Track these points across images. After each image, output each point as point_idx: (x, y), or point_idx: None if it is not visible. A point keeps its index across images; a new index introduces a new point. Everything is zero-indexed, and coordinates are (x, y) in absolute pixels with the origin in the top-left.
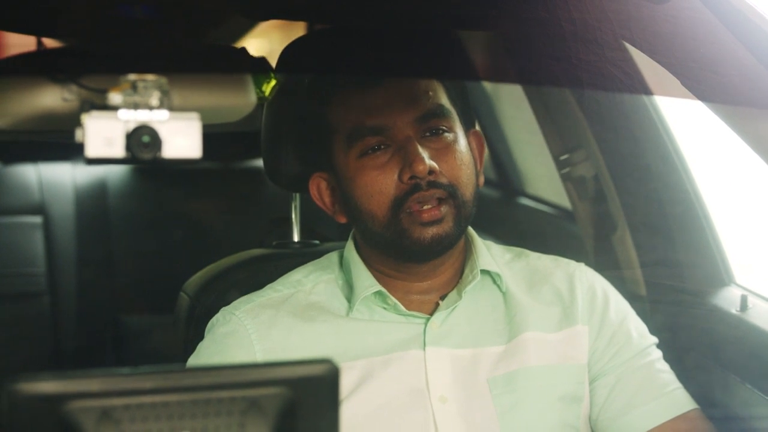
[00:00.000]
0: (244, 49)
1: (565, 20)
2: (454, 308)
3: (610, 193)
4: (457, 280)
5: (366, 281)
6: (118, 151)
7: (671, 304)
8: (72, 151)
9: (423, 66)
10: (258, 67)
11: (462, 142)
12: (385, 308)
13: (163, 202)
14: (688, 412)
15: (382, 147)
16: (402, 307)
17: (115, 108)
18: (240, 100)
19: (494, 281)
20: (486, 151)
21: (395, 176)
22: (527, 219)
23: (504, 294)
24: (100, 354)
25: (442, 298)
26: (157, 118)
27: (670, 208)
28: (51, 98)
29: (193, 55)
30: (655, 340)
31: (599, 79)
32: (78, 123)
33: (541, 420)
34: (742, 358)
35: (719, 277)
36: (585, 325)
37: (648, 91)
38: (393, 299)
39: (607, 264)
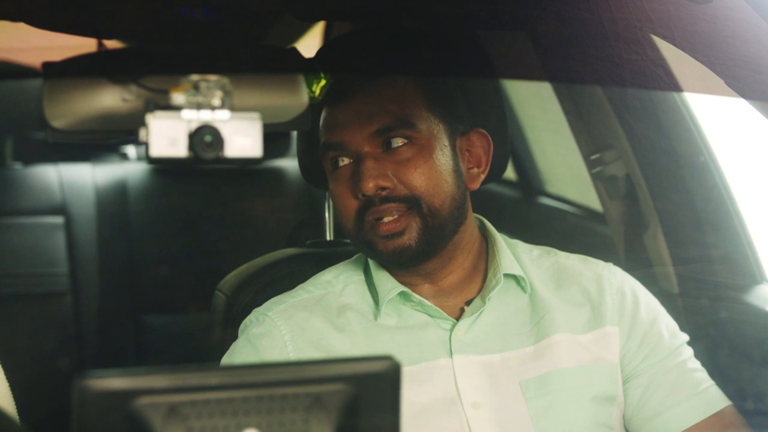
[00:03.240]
0: (294, 50)
1: (605, 20)
2: (479, 314)
3: (642, 192)
4: (481, 283)
5: (388, 284)
6: (181, 150)
7: (704, 301)
8: (93, 151)
9: (451, 64)
10: (309, 67)
11: (436, 151)
12: (411, 307)
13: (184, 202)
14: (722, 409)
15: (346, 162)
16: (428, 303)
17: (177, 108)
18: (294, 101)
19: (519, 283)
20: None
21: (356, 191)
22: (549, 218)
23: (529, 295)
24: (123, 354)
25: (468, 303)
26: (219, 118)
27: (702, 206)
28: (111, 99)
29: (250, 55)
30: (686, 338)
31: (637, 77)
32: (139, 123)
33: (575, 421)
34: None
35: (752, 274)
36: (615, 326)
37: (686, 89)
38: (418, 297)
39: (638, 263)
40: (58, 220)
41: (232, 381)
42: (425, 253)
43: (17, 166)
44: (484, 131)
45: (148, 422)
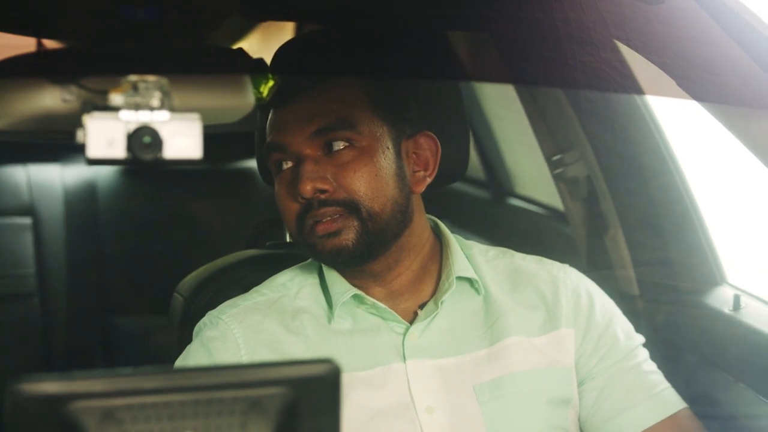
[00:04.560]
0: (241, 50)
1: (559, 21)
2: (432, 318)
3: (603, 194)
4: (435, 286)
5: (341, 287)
6: (120, 151)
7: (664, 304)
8: (61, 152)
9: (408, 66)
10: (256, 68)
11: (377, 154)
12: (365, 310)
13: (153, 203)
14: (678, 412)
15: (289, 165)
16: (381, 305)
17: (116, 109)
18: (238, 101)
19: (472, 285)
20: (472, 151)
21: (295, 194)
22: (517, 219)
23: (483, 298)
24: (91, 355)
25: (421, 306)
26: (158, 119)
27: (662, 207)
28: (50, 99)
29: (193, 56)
30: (642, 339)
31: (592, 79)
32: (78, 124)
33: (530, 424)
34: (734, 357)
35: (712, 276)
36: (570, 328)
37: (642, 91)
38: (371, 299)
39: (599, 263)
40: (26, 221)
41: (168, 384)
42: (364, 254)
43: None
44: (432, 134)
45: (83, 427)
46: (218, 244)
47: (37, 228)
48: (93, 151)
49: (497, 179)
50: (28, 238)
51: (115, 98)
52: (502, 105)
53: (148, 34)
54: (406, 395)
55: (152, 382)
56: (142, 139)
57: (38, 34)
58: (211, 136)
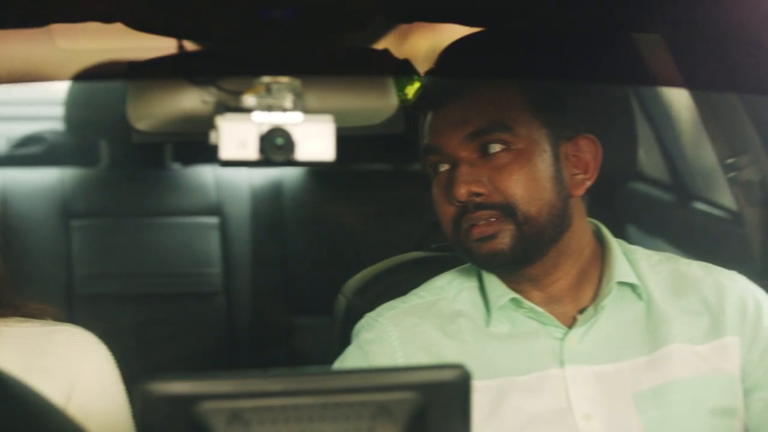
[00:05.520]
0: (387, 51)
1: (728, 22)
2: (593, 323)
3: None
4: (595, 291)
5: (498, 290)
6: (252, 153)
7: None
8: None
9: (571, 69)
10: (401, 69)
11: (534, 157)
12: (523, 314)
13: (338, 204)
14: None
15: (445, 168)
16: (540, 309)
17: (248, 110)
18: (380, 103)
19: (634, 291)
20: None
21: (451, 198)
22: (701, 223)
23: (646, 303)
24: (274, 354)
25: (581, 311)
26: (291, 121)
27: None
28: (191, 100)
29: (333, 57)
30: None
31: (763, 82)
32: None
33: None
34: None
35: None
36: (735, 337)
37: None
38: (529, 303)
39: None
40: (213, 220)
41: (295, 387)
42: (520, 258)
43: (176, 166)
44: (593, 137)
45: (211, 428)
46: (396, 244)
47: (223, 227)
48: (225, 152)
49: (682, 182)
50: (214, 238)
51: (248, 100)
52: (680, 106)
53: (285, 35)
54: (563, 401)
55: (280, 385)
56: (275, 141)
57: (179, 36)
58: (382, 137)
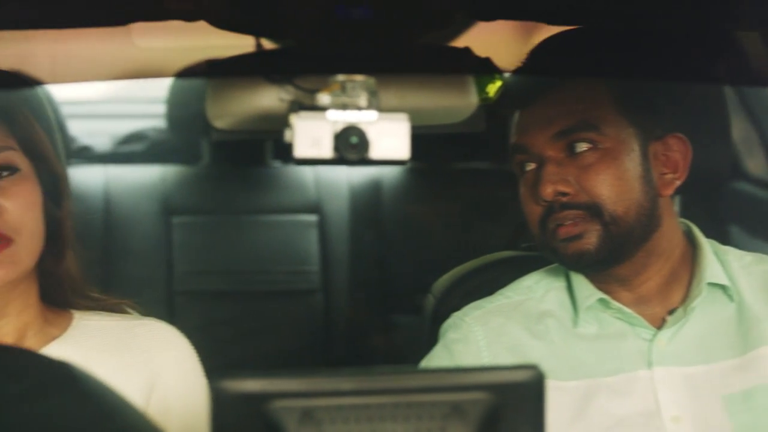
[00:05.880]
0: (468, 50)
1: None
2: (682, 324)
3: None
4: (684, 292)
5: (586, 290)
6: (326, 151)
7: None
8: None
9: (664, 68)
10: (482, 67)
11: (622, 156)
12: (611, 315)
13: (437, 203)
14: None
15: (531, 167)
16: (628, 310)
17: (323, 109)
18: (460, 101)
19: (725, 292)
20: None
21: (537, 197)
22: None
23: (737, 304)
24: (370, 352)
25: (670, 312)
26: (366, 119)
27: None
28: (268, 99)
29: (411, 55)
30: None
31: None
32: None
33: None
34: None
35: None
36: None
37: None
38: (617, 304)
39: None
40: (312, 218)
41: (367, 386)
42: (607, 259)
43: (276, 164)
44: (683, 136)
45: (282, 425)
46: (492, 243)
47: (322, 225)
48: (300, 150)
49: None
50: (313, 236)
51: (323, 98)
52: None
53: (363, 33)
54: (651, 403)
55: (352, 383)
56: (349, 140)
57: (257, 34)
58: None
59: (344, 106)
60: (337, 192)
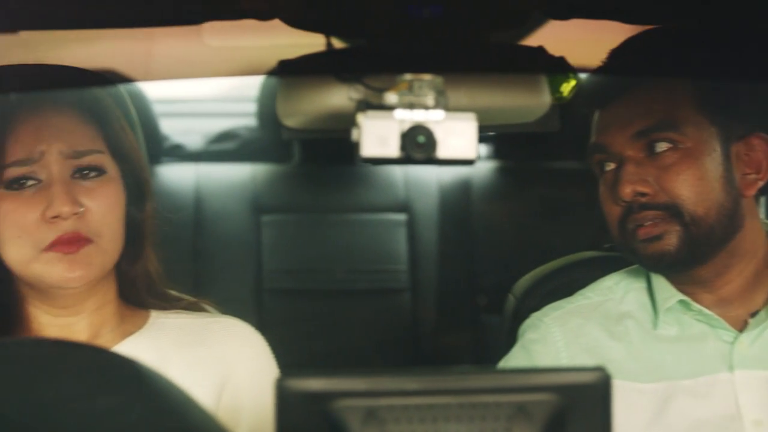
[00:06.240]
0: (542, 49)
1: None
2: (764, 327)
3: None
4: (767, 294)
5: (666, 292)
6: (393, 151)
7: None
8: None
9: (747, 67)
10: (556, 67)
11: (703, 156)
12: (692, 316)
13: (527, 202)
14: None
15: (611, 167)
16: (709, 312)
17: (390, 108)
18: (533, 101)
19: None
20: None
21: (616, 197)
22: None
23: None
24: (460, 353)
25: (753, 314)
26: (433, 119)
27: None
28: (338, 98)
29: (483, 54)
30: None
31: None
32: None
33: None
34: None
35: None
36: None
37: None
38: (697, 306)
39: None
40: (401, 217)
41: (432, 386)
42: (687, 260)
43: (366, 163)
44: (766, 136)
45: (346, 425)
46: (580, 243)
47: (411, 224)
48: (366, 149)
49: None
50: (402, 235)
51: (390, 97)
52: None
53: (434, 32)
54: (732, 407)
55: (416, 383)
56: (416, 139)
57: (332, 33)
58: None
59: (411, 106)
60: (427, 191)
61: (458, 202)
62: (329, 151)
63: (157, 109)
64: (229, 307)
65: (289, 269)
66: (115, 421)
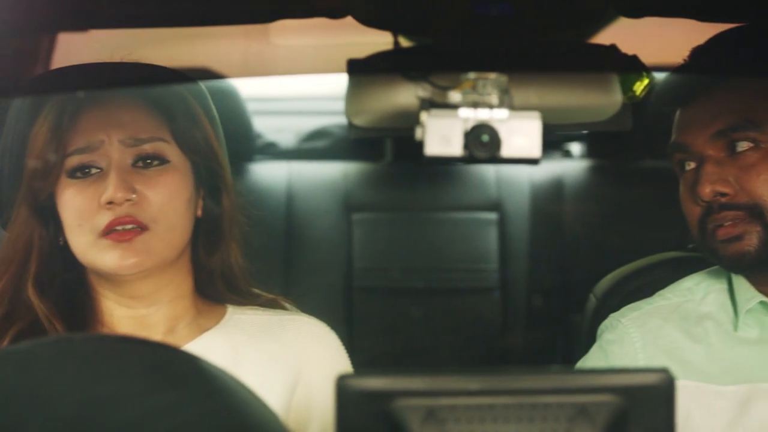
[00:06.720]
0: (614, 47)
1: None
2: None
3: None
4: None
5: (747, 293)
6: (456, 149)
7: None
8: None
9: None
10: (628, 65)
11: None
12: None
13: (620, 202)
14: None
15: (691, 167)
16: None
17: (454, 106)
18: (604, 100)
19: None
20: None
21: (696, 197)
22: None
23: None
24: (550, 354)
25: None
26: (497, 117)
27: None
28: (405, 96)
29: (554, 52)
30: None
31: None
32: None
33: None
34: None
35: None
36: None
37: None
38: None
39: None
40: (492, 216)
41: (492, 386)
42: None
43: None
44: None
45: (406, 424)
46: (667, 243)
47: (502, 223)
48: (430, 148)
49: None
50: (492, 234)
51: (454, 96)
52: None
53: (503, 30)
54: None
55: (476, 383)
56: (480, 138)
57: (401, 32)
58: None
59: (475, 104)
60: (518, 189)
61: (550, 202)
62: (420, 149)
63: (250, 106)
64: (318, 304)
65: (380, 267)
66: (172, 418)
